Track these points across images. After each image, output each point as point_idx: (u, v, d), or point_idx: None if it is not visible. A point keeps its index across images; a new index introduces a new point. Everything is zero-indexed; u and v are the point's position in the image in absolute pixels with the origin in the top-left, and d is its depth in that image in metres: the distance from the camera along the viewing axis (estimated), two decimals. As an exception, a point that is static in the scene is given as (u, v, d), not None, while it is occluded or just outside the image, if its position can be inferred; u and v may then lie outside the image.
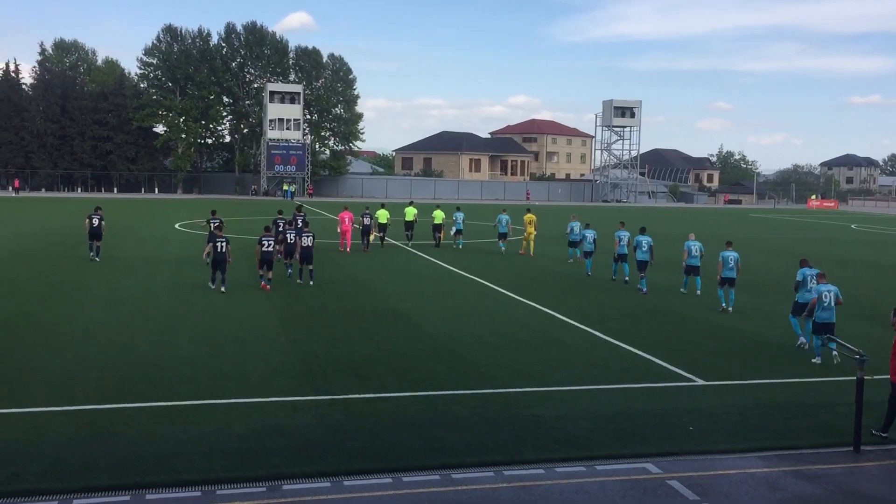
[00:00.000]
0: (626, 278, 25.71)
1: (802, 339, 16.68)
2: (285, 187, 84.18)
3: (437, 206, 38.13)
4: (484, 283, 24.98)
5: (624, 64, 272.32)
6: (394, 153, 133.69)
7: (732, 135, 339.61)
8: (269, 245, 22.67)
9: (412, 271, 27.88)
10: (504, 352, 15.81)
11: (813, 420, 12.02)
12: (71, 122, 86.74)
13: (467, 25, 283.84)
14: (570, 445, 10.65)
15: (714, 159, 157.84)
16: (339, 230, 33.29)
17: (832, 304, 15.39)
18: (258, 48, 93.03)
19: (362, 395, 12.54)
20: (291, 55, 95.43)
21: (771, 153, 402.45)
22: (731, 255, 21.10)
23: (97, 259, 27.95)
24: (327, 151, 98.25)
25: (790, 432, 11.46)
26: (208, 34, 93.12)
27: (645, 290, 23.84)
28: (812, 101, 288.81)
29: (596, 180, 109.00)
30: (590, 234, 27.99)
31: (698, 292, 23.50)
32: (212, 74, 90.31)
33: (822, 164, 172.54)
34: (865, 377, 10.95)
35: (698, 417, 11.98)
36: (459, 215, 35.81)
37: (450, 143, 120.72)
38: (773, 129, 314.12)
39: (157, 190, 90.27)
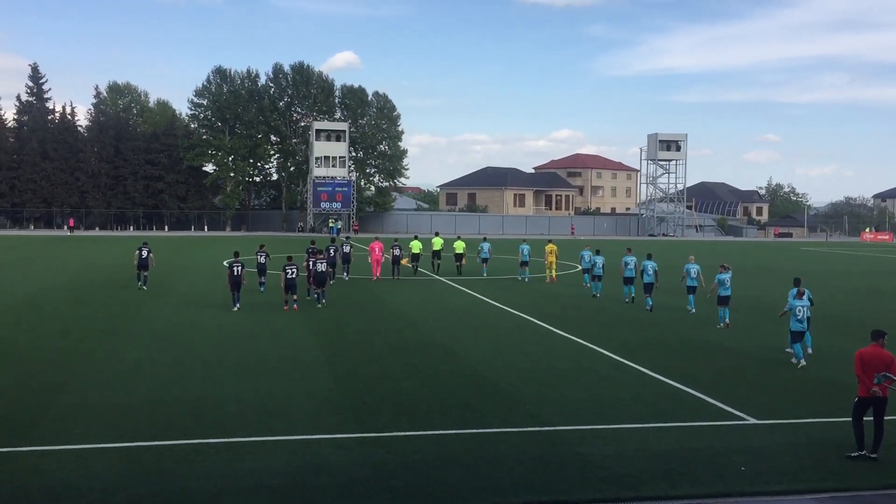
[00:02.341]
0: (633, 296, 28.65)
1: (803, 363, 18.13)
2: (331, 224, 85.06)
3: (437, 234, 41.84)
4: (527, 318, 24.83)
5: (669, 97, 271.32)
6: (438, 189, 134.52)
7: (781, 167, 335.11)
8: (292, 273, 25.36)
9: (455, 305, 27.84)
10: (550, 388, 15.64)
11: (871, 461, 11.62)
12: (124, 162, 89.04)
13: (511, 62, 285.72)
14: (619, 485, 10.44)
15: (763, 192, 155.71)
16: (370, 260, 36.35)
17: (804, 316, 18.24)
18: (305, 87, 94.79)
19: (406, 433, 12.48)
20: (337, 94, 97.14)
21: (822, 185, 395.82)
22: (726, 276, 23.34)
23: (145, 288, 30.22)
24: (372, 188, 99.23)
25: (846, 472, 11.09)
26: (257, 75, 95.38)
27: (649, 307, 26.70)
28: (863, 131, 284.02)
29: (642, 214, 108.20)
30: (599, 261, 30.81)
31: (692, 310, 26.06)
32: (260, 114, 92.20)
33: (876, 196, 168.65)
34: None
35: (750, 457, 11.67)
36: (486, 245, 39.15)
37: (494, 178, 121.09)
38: (824, 160, 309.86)
39: (206, 228, 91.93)
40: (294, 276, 25.49)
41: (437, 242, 39.61)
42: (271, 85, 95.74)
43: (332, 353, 18.86)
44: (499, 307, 27.65)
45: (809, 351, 19.49)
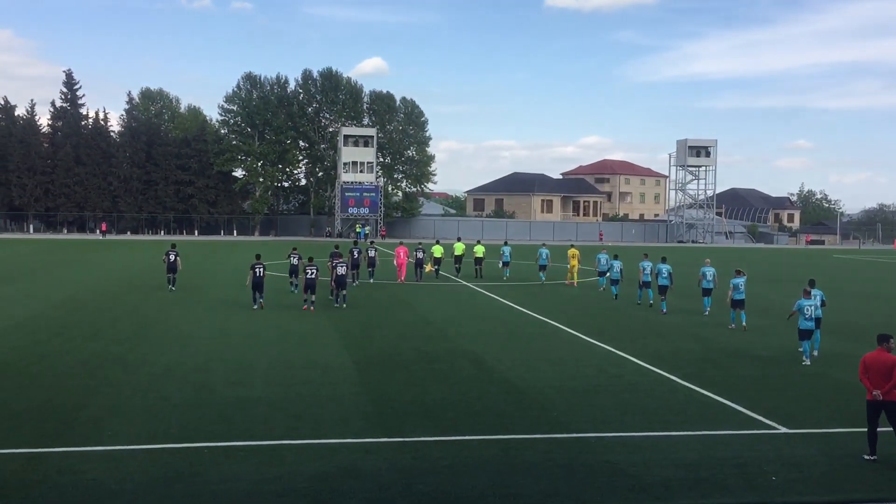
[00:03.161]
0: (651, 302, 29.54)
1: (807, 362, 19.16)
2: (358, 229, 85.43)
3: (458, 239, 44.21)
4: (554, 324, 24.75)
5: (699, 103, 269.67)
6: (465, 194, 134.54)
7: (813, 173, 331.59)
8: (312, 273, 26.70)
9: (482, 311, 27.83)
10: (577, 395, 15.58)
11: (905, 471, 11.44)
12: (155, 167, 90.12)
13: (539, 68, 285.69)
14: (647, 494, 10.37)
15: (794, 199, 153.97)
16: (395, 263, 37.86)
17: (812, 315, 19.22)
18: (333, 93, 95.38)
19: (434, 438, 12.50)
20: (365, 99, 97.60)
21: (855, 192, 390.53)
22: (740, 280, 24.35)
23: (174, 289, 31.58)
24: (400, 193, 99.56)
25: (881, 484, 10.93)
26: (286, 81, 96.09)
27: (664, 310, 27.77)
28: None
29: (670, 220, 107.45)
30: (616, 265, 32.14)
31: (706, 312, 27.22)
32: (289, 120, 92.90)
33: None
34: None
35: (782, 467, 11.54)
36: (507, 249, 40.73)
37: (521, 184, 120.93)
38: (857, 167, 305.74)
39: (235, 232, 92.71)
40: (314, 276, 26.77)
41: (459, 247, 41.31)
42: (300, 91, 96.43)
43: (361, 358, 18.94)
44: (526, 313, 27.60)
45: (815, 353, 20.10)
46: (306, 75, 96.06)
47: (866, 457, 11.82)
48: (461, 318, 26.09)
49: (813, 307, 19.37)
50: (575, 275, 37.66)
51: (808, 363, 19.16)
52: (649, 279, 29.59)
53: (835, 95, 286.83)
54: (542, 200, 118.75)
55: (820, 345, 20.55)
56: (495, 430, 13.04)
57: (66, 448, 11.63)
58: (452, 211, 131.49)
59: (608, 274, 33.50)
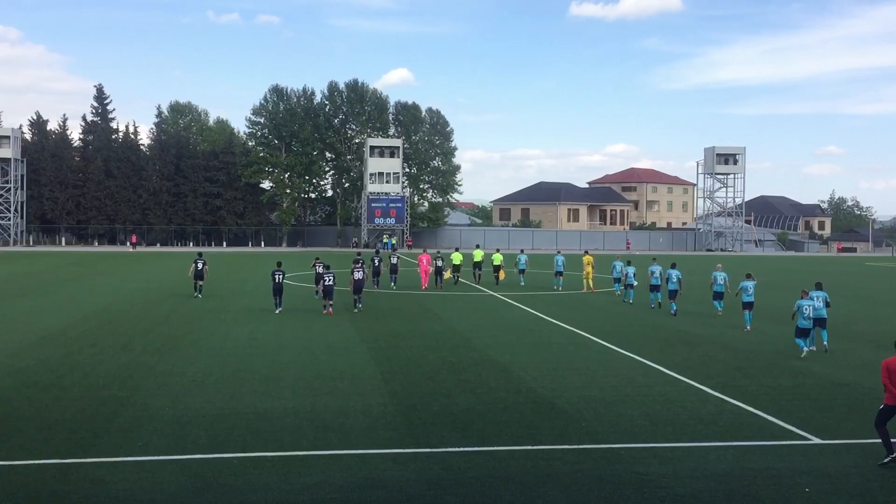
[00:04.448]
0: (659, 303, 31.24)
1: (805, 351, 20.91)
2: (385, 239, 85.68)
3: (477, 247, 45.33)
4: (582, 334, 24.62)
5: (726, 110, 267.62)
6: (491, 204, 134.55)
7: (844, 180, 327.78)
8: (329, 280, 28.50)
9: (508, 321, 27.76)
10: (606, 406, 15.46)
11: (942, 483, 11.22)
12: (184, 179, 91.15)
13: (565, 77, 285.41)
14: (678, 505, 10.25)
15: (825, 206, 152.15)
16: (418, 271, 39.56)
17: (811, 315, 20.75)
18: (359, 105, 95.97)
19: (462, 449, 12.46)
20: (391, 110, 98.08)
21: (887, 198, 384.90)
22: (750, 284, 26.02)
23: (200, 296, 33.20)
24: (426, 203, 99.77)
25: (917, 496, 10.72)
26: (312, 93, 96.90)
27: (674, 311, 29.33)
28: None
29: (699, 229, 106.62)
30: (630, 270, 33.64)
31: (719, 312, 28.97)
32: (315, 131, 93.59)
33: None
34: None
35: (815, 478, 11.36)
36: (523, 257, 42.56)
37: (547, 193, 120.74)
38: (888, 173, 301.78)
39: (263, 243, 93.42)
40: (331, 282, 28.53)
41: (478, 254, 42.42)
42: (326, 102, 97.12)
43: (388, 368, 18.95)
44: (552, 322, 27.48)
45: (825, 345, 21.91)
46: (332, 87, 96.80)
47: (886, 460, 11.76)
48: (487, 328, 26.04)
49: (811, 307, 20.84)
50: (591, 281, 38.60)
51: (804, 356, 20.76)
52: (658, 282, 31.27)
53: (865, 101, 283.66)
54: (569, 209, 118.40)
55: (828, 341, 22.01)
56: (523, 440, 12.98)
57: (98, 459, 11.74)
58: (478, 221, 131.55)
59: (624, 280, 34.68)
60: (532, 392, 16.57)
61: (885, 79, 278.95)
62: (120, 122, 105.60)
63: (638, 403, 15.71)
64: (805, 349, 21.07)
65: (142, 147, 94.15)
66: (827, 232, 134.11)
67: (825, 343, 21.94)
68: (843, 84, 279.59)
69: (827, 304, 22.12)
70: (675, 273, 29.71)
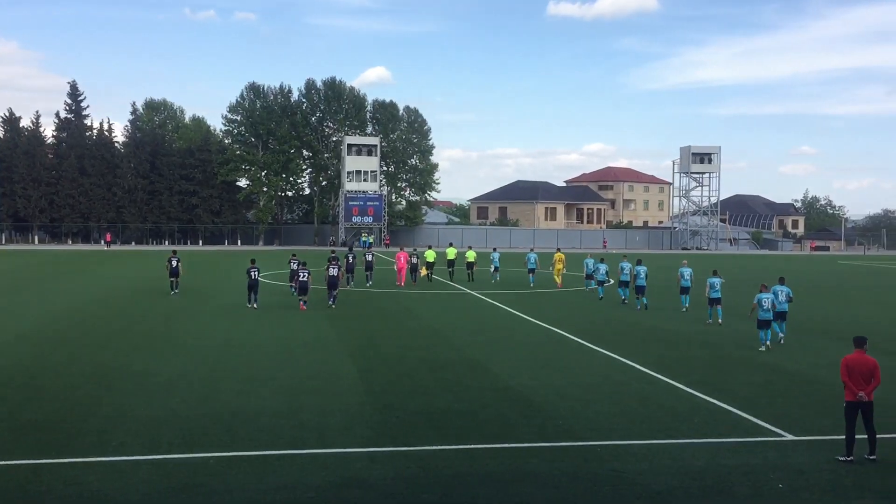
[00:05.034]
0: (626, 299, 32.59)
1: (763, 349, 21.71)
2: (363, 238, 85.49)
3: (450, 245, 46.24)
4: (559, 332, 24.72)
5: (702, 110, 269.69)
6: (469, 202, 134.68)
7: (817, 179, 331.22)
8: (304, 276, 29.49)
9: (486, 319, 27.82)
10: (583, 403, 15.54)
11: (873, 462, 11.42)
12: (160, 177, 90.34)
13: (543, 76, 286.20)
14: (653, 502, 10.34)
15: (799, 205, 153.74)
16: (395, 268, 40.35)
17: (769, 307, 21.70)
18: (336, 103, 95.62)
19: (440, 447, 12.47)
20: (368, 108, 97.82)
21: (859, 198, 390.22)
22: (716, 280, 27.08)
23: (177, 292, 33.80)
24: (403, 202, 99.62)
25: (889, 491, 10.89)
26: (289, 90, 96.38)
27: (639, 307, 30.75)
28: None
29: (675, 227, 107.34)
30: (602, 268, 34.51)
31: (685, 307, 30.20)
32: (292, 129, 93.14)
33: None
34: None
35: (788, 474, 11.49)
36: (496, 255, 43.61)
37: (525, 191, 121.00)
38: (861, 173, 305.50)
39: (239, 242, 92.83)
40: (306, 279, 29.43)
41: (451, 252, 43.53)
42: (304, 100, 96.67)
43: (366, 367, 18.92)
44: (529, 320, 27.57)
45: (781, 337, 22.86)
46: (309, 85, 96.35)
47: (841, 458, 11.97)
48: (465, 326, 26.07)
49: (770, 300, 21.88)
50: (559, 277, 40.03)
51: (764, 349, 21.61)
52: (627, 278, 32.42)
53: (839, 102, 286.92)
54: (546, 208, 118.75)
55: (786, 335, 23.09)
56: (501, 438, 13.01)
57: (71, 459, 11.62)
58: (456, 219, 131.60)
59: (596, 276, 35.61)
60: (510, 390, 16.62)
61: (859, 80, 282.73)
62: (94, 120, 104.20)
63: (614, 401, 15.80)
64: (767, 343, 22.00)
65: (116, 144, 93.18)
66: (800, 231, 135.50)
67: (781, 335, 22.97)
68: (818, 85, 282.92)
69: (789, 299, 23.31)
70: (642, 269, 31.12)
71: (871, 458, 11.99)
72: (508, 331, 25.36)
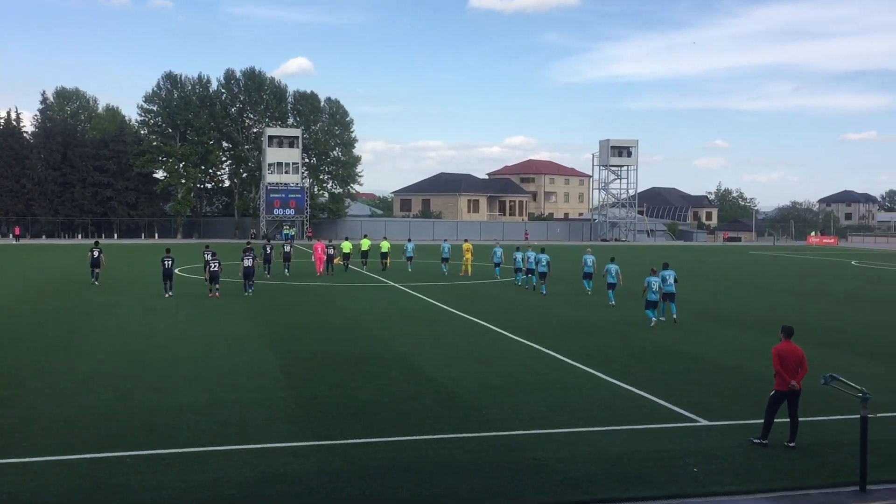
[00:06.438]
0: (534, 286, 34.51)
1: (653, 321, 24.23)
2: (286, 231, 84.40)
3: (365, 236, 49.57)
4: (482, 324, 24.93)
5: (621, 104, 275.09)
6: (392, 195, 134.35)
7: (730, 173, 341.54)
8: (215, 266, 30.45)
9: (410, 312, 27.86)
10: (505, 394, 15.72)
11: (818, 460, 11.92)
12: (72, 169, 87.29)
13: (466, 69, 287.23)
14: (573, 489, 10.55)
15: (712, 197, 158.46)
16: (313, 259, 41.98)
17: (657, 289, 24.42)
18: (257, 93, 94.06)
19: (363, 440, 12.45)
20: (290, 100, 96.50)
21: (769, 190, 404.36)
22: (613, 266, 29.86)
23: (97, 283, 34.41)
24: (326, 194, 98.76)
25: (796, 472, 11.35)
26: (208, 81, 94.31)
27: (545, 293, 33.01)
28: (808, 138, 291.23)
29: (594, 219, 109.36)
30: (543, 258, 34.39)
31: (588, 291, 32.99)
32: (211, 120, 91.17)
33: (821, 201, 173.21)
34: (869, 415, 10.89)
35: (702, 459, 11.88)
36: (410, 245, 45.62)
37: (448, 184, 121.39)
38: (771, 166, 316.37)
39: (157, 235, 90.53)
40: (217, 268, 30.46)
41: (365, 244, 46.20)
42: (223, 91, 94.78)
43: (288, 361, 18.72)
44: (452, 312, 27.71)
45: (674, 317, 25.09)
46: (229, 75, 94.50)
47: (756, 440, 12.43)
48: (389, 318, 26.05)
49: (659, 283, 24.56)
50: (469, 267, 41.45)
51: (653, 325, 24.11)
52: (533, 267, 34.60)
53: (749, 97, 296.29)
54: (469, 200, 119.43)
55: (677, 312, 25.31)
56: (425, 430, 13.06)
57: (-21, 461, 11.16)
58: (379, 212, 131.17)
59: (537, 269, 37.00)
60: (433, 382, 16.69)
61: (769, 77, 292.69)
62: (1, 109, 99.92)
63: (536, 391, 16.04)
64: (653, 319, 24.35)
65: (25, 135, 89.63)
66: (714, 222, 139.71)
67: (674, 315, 25.17)
68: (730, 81, 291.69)
69: (675, 281, 25.70)
70: (544, 257, 33.81)
71: (791, 444, 12.31)
72: (432, 322, 25.44)
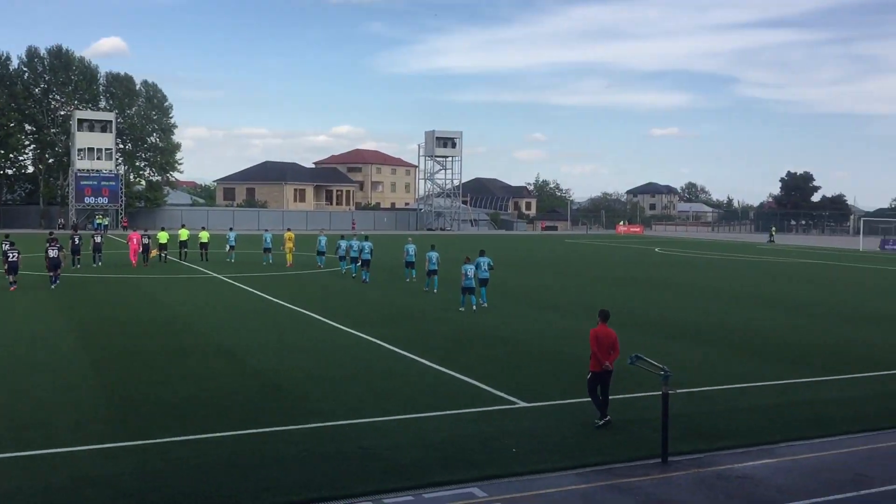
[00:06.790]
0: (354, 275, 35.42)
1: (462, 308, 25.48)
2: (98, 220, 79.61)
3: (182, 226, 49.25)
4: (307, 314, 24.69)
5: (446, 96, 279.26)
6: (215, 183, 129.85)
7: (548, 164, 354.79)
8: (13, 257, 28.96)
9: (232, 303, 27.13)
10: (332, 383, 15.67)
11: (626, 435, 12.72)
12: None
13: (291, 56, 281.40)
14: (399, 475, 10.68)
15: (531, 188, 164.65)
16: (128, 251, 40.93)
17: (471, 276, 25.43)
18: (64, 74, 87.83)
19: (184, 438, 12.01)
20: (102, 81, 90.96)
21: (582, 182, 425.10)
22: (433, 254, 30.61)
23: None
24: (143, 182, 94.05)
25: (605, 448, 12.06)
26: (8, 58, 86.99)
27: (365, 279, 33.91)
28: (617, 132, 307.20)
29: (420, 209, 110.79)
30: (367, 246, 34.90)
31: (409, 279, 33.93)
32: (12, 101, 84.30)
33: (628, 192, 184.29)
34: (670, 391, 11.75)
35: (521, 439, 12.37)
36: (232, 234, 45.58)
37: (273, 172, 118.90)
38: (584, 159, 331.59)
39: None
40: (16, 259, 29.02)
41: (183, 234, 45.28)
42: (25, 69, 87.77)
43: (101, 357, 17.71)
44: (276, 302, 27.26)
45: (484, 304, 26.39)
46: (32, 52, 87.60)
47: (599, 421, 13.01)
48: (210, 311, 25.24)
49: (473, 269, 25.64)
50: (290, 255, 41.45)
51: (463, 310, 25.39)
52: (357, 255, 35.08)
53: (566, 93, 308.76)
54: (295, 189, 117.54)
55: (487, 299, 26.82)
56: (249, 425, 12.78)
57: None
58: (201, 200, 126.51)
59: (361, 256, 36.69)
60: (258, 375, 16.36)
61: (583, 73, 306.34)
62: None
63: (363, 379, 16.09)
64: (463, 307, 25.56)
65: None
66: (533, 212, 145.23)
67: (484, 301, 26.60)
68: (548, 76, 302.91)
69: (490, 268, 26.98)
70: (368, 245, 34.70)
71: (602, 422, 13.00)
72: (255, 314, 24.89)
